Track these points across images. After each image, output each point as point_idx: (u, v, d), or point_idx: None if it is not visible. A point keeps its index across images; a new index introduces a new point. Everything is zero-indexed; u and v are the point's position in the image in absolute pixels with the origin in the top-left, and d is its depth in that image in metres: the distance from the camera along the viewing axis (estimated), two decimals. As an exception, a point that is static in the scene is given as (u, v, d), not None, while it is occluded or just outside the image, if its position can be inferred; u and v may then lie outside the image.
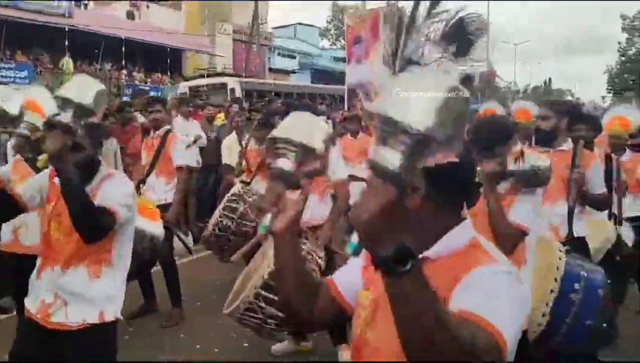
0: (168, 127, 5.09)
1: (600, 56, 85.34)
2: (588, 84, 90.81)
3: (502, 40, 59.80)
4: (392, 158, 0.91)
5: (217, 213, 4.87)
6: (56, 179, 2.41)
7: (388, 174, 0.91)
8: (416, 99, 0.92)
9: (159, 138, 4.96)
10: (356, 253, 1.02)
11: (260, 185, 5.41)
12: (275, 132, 1.42)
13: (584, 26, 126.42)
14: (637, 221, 4.60)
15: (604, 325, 2.72)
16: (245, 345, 4.29)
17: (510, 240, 2.45)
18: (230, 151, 6.68)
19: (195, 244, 5.75)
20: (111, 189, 2.40)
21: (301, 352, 4.20)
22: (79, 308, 2.38)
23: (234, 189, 4.98)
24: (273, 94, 18.80)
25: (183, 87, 18.89)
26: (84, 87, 2.30)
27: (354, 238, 1.00)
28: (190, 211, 7.73)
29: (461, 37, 1.12)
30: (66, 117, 2.21)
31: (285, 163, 1.36)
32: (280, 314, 3.29)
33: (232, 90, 18.04)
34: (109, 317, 2.42)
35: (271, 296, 3.25)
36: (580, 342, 2.75)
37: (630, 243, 4.18)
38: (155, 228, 3.84)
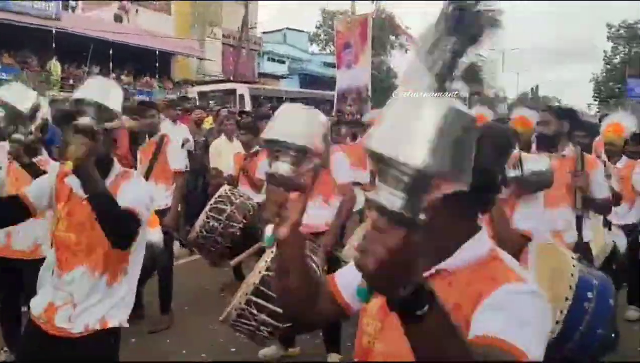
0: (163, 132, 5.07)
1: (586, 64, 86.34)
2: (574, 92, 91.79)
3: (491, 48, 60.21)
4: (392, 197, 0.82)
5: (203, 215, 4.85)
6: (67, 180, 2.36)
7: (393, 216, 0.82)
8: (409, 131, 0.81)
9: (154, 143, 4.92)
10: (364, 298, 0.91)
11: (246, 188, 5.39)
12: (270, 134, 1.29)
13: (570, 35, 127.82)
14: (631, 228, 4.64)
15: (612, 334, 2.72)
16: (233, 350, 4.26)
17: (514, 246, 2.46)
18: (218, 154, 6.66)
19: (183, 248, 5.73)
20: (133, 189, 2.33)
21: (289, 357, 4.18)
22: (85, 315, 2.31)
23: (220, 191, 4.97)
24: (284, 100, 18.93)
25: (191, 92, 18.87)
26: (103, 89, 2.18)
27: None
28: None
29: (473, 26, 1.05)
30: (86, 120, 2.06)
31: (284, 167, 1.26)
32: (272, 321, 3.26)
33: (241, 96, 18.09)
34: (112, 323, 2.36)
35: (262, 302, 3.22)
36: (590, 350, 2.76)
37: (622, 250, 4.21)
38: (153, 235, 3.80)
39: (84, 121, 2.07)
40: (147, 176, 4.71)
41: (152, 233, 3.85)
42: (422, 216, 0.83)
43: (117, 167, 2.41)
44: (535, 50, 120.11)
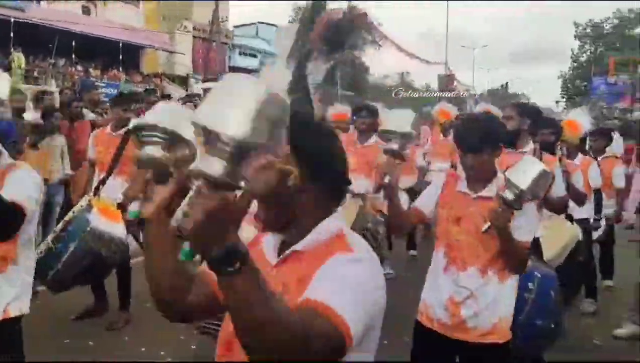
0: (129, 127, 4.90)
1: (555, 62, 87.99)
2: (543, 89, 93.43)
3: (461, 45, 61.02)
4: (214, 165, 0.92)
5: None
6: None
7: (212, 181, 0.92)
8: (232, 107, 0.92)
9: (119, 137, 4.73)
10: (188, 258, 1.01)
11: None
12: (138, 121, 1.36)
13: (539, 33, 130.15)
14: (585, 223, 4.74)
15: (552, 325, 2.77)
16: (194, 347, 4.19)
17: (523, 261, 2.42)
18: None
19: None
20: (18, 181, 2.25)
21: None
22: None
23: None
24: None
25: (197, 88, 18.60)
26: None
27: (186, 244, 0.97)
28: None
29: (335, 35, 1.14)
30: None
31: (154, 150, 1.32)
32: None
33: None
34: (14, 312, 2.32)
35: None
36: (530, 341, 2.79)
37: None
38: (117, 229, 3.70)
39: None
40: (110, 172, 4.56)
41: (118, 228, 3.75)
42: (242, 183, 0.95)
43: (2, 160, 2.33)
44: (506, 47, 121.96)
